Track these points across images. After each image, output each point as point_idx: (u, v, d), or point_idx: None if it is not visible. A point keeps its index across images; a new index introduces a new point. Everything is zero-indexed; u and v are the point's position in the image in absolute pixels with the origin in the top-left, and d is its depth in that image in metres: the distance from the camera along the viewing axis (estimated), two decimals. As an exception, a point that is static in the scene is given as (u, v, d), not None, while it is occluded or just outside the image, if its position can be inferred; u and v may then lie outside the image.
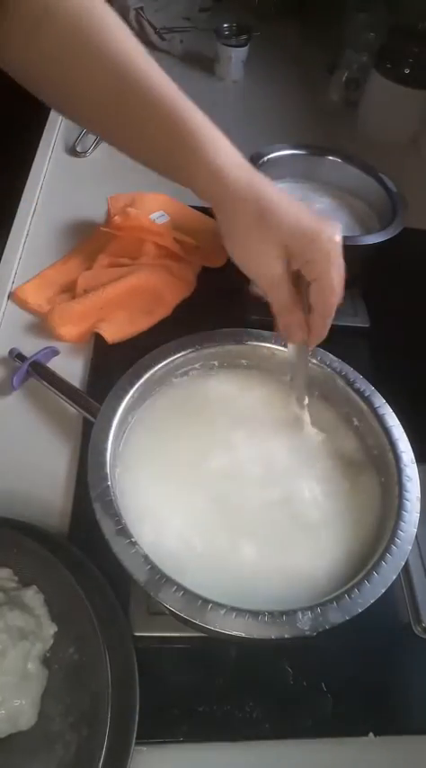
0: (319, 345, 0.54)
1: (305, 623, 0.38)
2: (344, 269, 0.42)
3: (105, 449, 0.45)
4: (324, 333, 0.45)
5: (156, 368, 0.51)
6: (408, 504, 0.44)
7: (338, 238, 0.41)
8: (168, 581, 0.39)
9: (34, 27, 0.41)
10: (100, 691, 0.41)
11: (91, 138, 0.96)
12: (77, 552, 0.49)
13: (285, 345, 0.54)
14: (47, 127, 0.99)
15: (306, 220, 0.41)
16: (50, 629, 0.46)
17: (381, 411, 0.50)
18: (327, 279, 0.41)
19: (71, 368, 0.66)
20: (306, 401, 0.51)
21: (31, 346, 0.65)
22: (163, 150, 0.43)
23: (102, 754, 0.39)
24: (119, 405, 0.48)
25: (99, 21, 0.42)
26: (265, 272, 0.41)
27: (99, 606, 0.44)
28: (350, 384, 0.52)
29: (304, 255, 0.41)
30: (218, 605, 0.38)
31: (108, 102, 0.43)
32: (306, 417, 0.51)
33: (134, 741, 0.42)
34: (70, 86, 0.44)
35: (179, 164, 0.43)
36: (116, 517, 0.41)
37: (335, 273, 0.41)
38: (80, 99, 0.45)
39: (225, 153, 0.42)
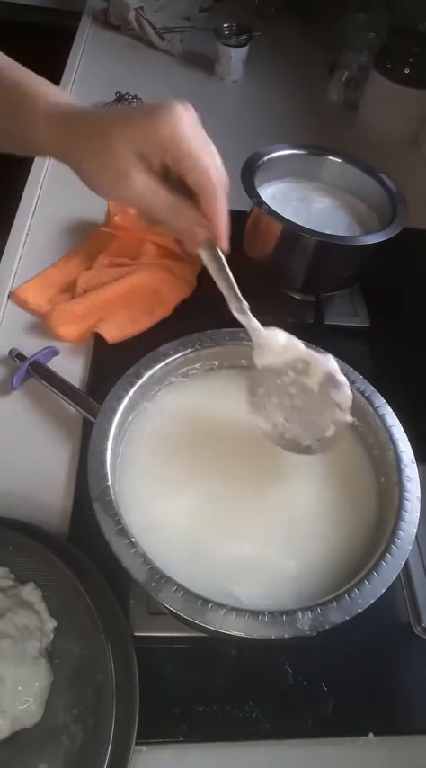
0: (319, 345, 0.54)
1: (305, 623, 0.38)
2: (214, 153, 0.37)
3: (105, 449, 0.45)
4: (226, 217, 0.39)
5: (156, 368, 0.50)
6: (408, 504, 0.44)
7: (184, 109, 0.36)
8: (168, 581, 0.39)
9: None
10: (103, 682, 0.42)
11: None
12: (77, 552, 0.49)
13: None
14: (47, 127, 0.99)
15: (151, 105, 0.37)
16: (50, 623, 0.46)
17: (381, 411, 0.50)
18: (193, 148, 0.36)
19: (71, 368, 0.66)
20: (246, 305, 0.44)
21: (31, 346, 0.65)
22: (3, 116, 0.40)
23: (110, 743, 0.39)
24: (119, 405, 0.48)
25: None
26: (133, 176, 0.35)
27: (99, 604, 0.45)
28: (350, 384, 0.52)
29: (155, 141, 0.36)
30: (218, 605, 0.38)
31: None
32: (254, 323, 0.45)
33: (134, 740, 0.42)
34: None
35: (21, 117, 0.39)
36: (116, 517, 0.41)
37: (198, 143, 0.36)
38: None
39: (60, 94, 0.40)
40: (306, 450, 0.47)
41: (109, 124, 0.36)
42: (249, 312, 0.44)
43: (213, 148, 0.37)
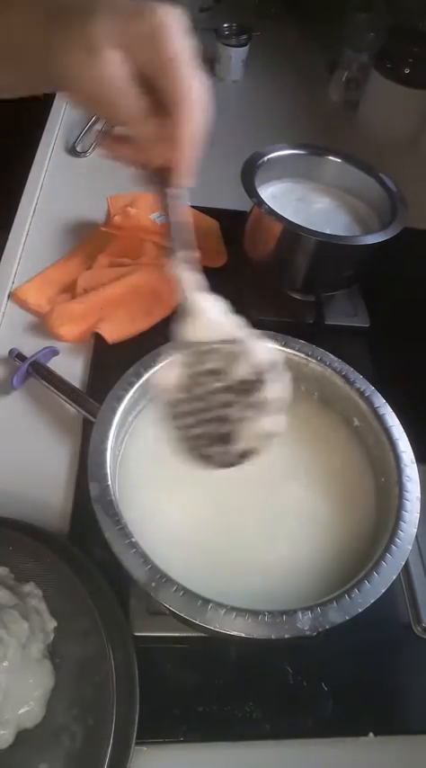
0: (319, 345, 0.54)
1: (305, 623, 0.38)
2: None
3: (105, 449, 0.45)
4: (193, 144, 0.33)
5: (156, 368, 0.50)
6: (408, 504, 0.44)
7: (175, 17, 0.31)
8: (168, 581, 0.39)
9: None
10: (103, 682, 0.42)
11: (91, 138, 0.96)
12: (77, 552, 0.49)
13: (282, 343, 0.54)
14: (47, 127, 0.99)
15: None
16: (51, 623, 0.46)
17: (381, 411, 0.50)
18: (183, 56, 0.31)
19: (71, 368, 0.66)
20: (197, 256, 0.37)
21: (31, 346, 0.65)
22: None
23: (110, 743, 0.39)
24: (119, 405, 0.48)
25: None
26: (106, 54, 0.30)
27: (99, 604, 0.45)
28: (350, 384, 0.52)
29: (142, 33, 0.30)
30: (218, 605, 0.38)
31: None
32: (195, 284, 0.38)
33: (134, 740, 0.42)
34: None
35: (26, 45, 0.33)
36: (116, 517, 0.41)
37: (190, 53, 0.31)
38: None
39: None
40: (206, 460, 0.41)
41: (95, 5, 0.31)
42: (196, 269, 0.37)
43: (201, 75, 0.32)
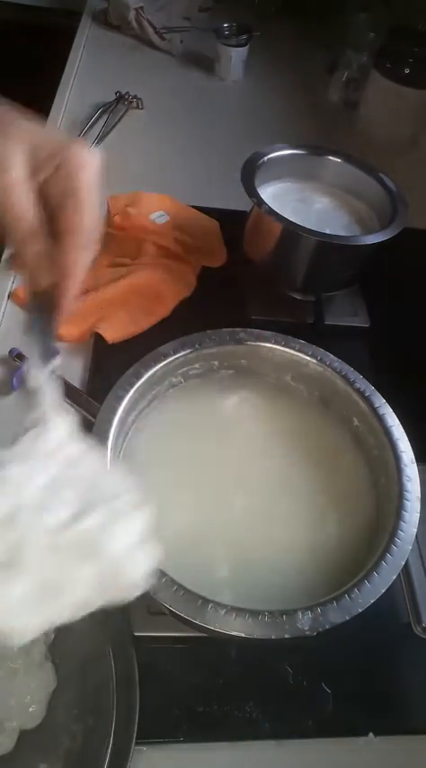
0: (319, 345, 0.54)
1: (305, 623, 0.38)
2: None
3: (105, 449, 0.45)
4: (78, 272, 0.34)
5: (156, 368, 0.50)
6: (408, 504, 0.44)
7: (90, 155, 0.33)
8: (168, 581, 0.39)
9: None
10: (103, 682, 0.41)
11: (90, 138, 0.96)
12: (77, 552, 0.49)
13: (282, 343, 0.54)
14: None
15: (54, 132, 0.34)
16: None
17: (381, 411, 0.50)
18: (83, 191, 0.32)
19: (71, 368, 0.66)
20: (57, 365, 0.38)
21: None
22: None
23: (110, 743, 0.40)
24: (119, 405, 0.48)
25: None
26: (12, 170, 0.31)
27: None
28: (350, 384, 0.52)
29: (53, 161, 0.32)
30: (218, 605, 0.38)
31: None
32: (54, 396, 0.38)
33: (134, 740, 0.42)
34: None
35: None
36: (116, 517, 0.41)
37: (92, 189, 0.33)
38: None
39: None
40: None
41: (17, 117, 0.33)
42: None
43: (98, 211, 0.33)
